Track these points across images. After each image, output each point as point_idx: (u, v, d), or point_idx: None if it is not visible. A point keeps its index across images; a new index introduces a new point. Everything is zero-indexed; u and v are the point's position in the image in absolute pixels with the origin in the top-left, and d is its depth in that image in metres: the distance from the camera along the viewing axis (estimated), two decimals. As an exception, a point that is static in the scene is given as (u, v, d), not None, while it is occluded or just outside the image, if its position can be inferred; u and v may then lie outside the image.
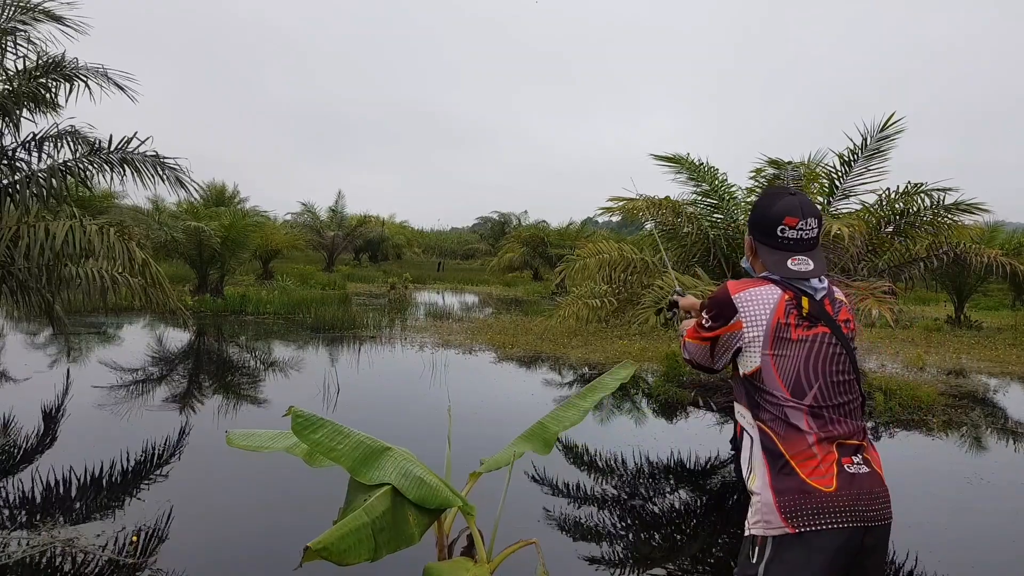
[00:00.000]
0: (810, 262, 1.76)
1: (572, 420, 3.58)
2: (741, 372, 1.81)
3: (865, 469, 1.71)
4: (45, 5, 5.97)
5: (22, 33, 5.92)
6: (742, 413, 1.84)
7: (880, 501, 1.70)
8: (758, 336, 1.73)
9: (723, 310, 1.78)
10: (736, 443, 2.04)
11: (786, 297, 1.74)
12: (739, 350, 1.79)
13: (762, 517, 1.68)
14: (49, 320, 7.15)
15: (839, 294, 1.87)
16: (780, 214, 1.77)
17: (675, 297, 2.58)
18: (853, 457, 1.71)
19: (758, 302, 1.75)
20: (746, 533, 1.76)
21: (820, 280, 1.82)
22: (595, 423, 7.00)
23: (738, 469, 1.92)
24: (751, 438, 1.79)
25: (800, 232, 1.76)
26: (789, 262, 1.75)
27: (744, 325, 1.75)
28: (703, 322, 1.86)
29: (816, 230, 1.79)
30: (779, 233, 1.77)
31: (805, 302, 1.74)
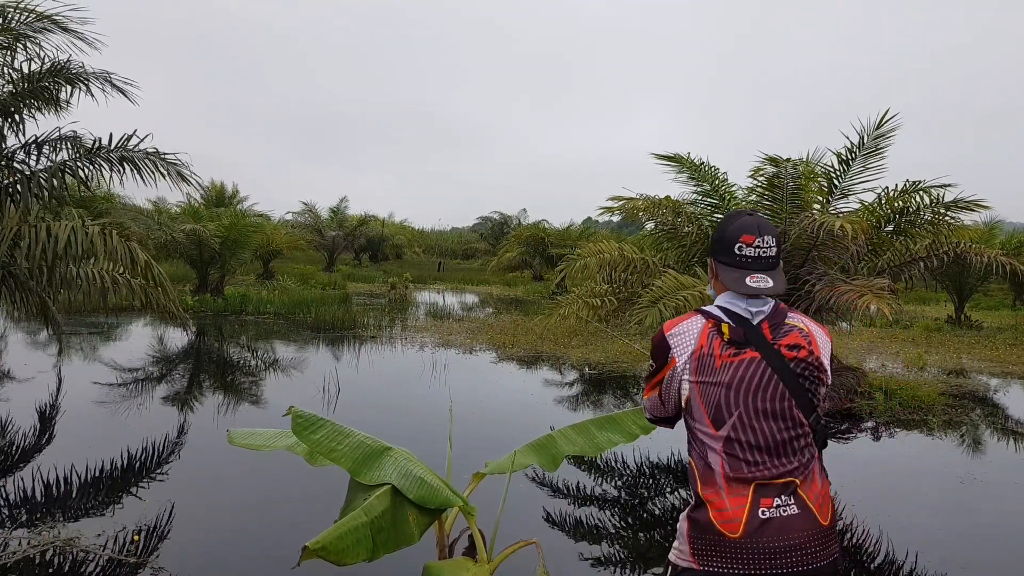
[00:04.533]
0: (769, 280, 1.73)
1: (583, 449, 3.51)
2: (682, 403, 1.81)
3: (791, 511, 1.65)
4: (55, 16, 6.03)
5: (32, 39, 5.98)
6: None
7: (801, 550, 1.63)
8: (686, 366, 1.73)
9: (660, 350, 1.80)
10: None
11: (708, 325, 1.75)
12: (679, 385, 1.78)
13: (678, 545, 1.77)
14: (45, 320, 7.16)
15: (798, 320, 1.79)
16: (736, 233, 1.76)
17: None
18: (776, 498, 1.65)
19: (684, 334, 1.76)
20: (670, 556, 1.81)
21: (764, 304, 1.78)
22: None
23: None
24: (689, 470, 1.83)
25: (757, 250, 1.74)
26: (748, 280, 1.73)
27: (677, 360, 1.75)
28: (650, 370, 1.86)
29: (775, 248, 1.77)
30: (736, 251, 1.75)
31: (725, 328, 1.73)
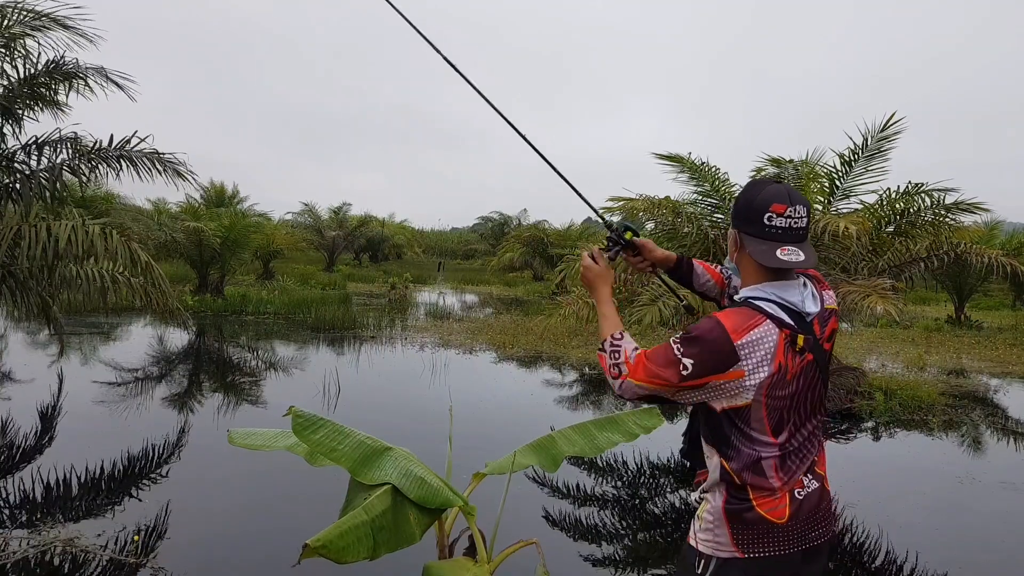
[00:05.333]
0: (801, 253, 1.60)
1: (583, 449, 3.50)
2: (718, 407, 1.64)
3: (814, 485, 1.69)
4: (55, 13, 6.04)
5: (32, 37, 5.99)
6: (705, 441, 1.73)
7: (823, 520, 1.70)
8: (757, 382, 1.57)
9: (719, 356, 1.56)
10: (685, 454, 1.92)
11: (783, 336, 1.58)
12: (735, 395, 1.61)
13: (714, 538, 1.67)
14: (46, 320, 7.17)
15: (829, 299, 1.73)
16: (767, 201, 1.62)
17: (617, 238, 2.03)
18: (804, 479, 1.68)
19: (759, 346, 1.56)
20: (692, 543, 1.72)
21: (813, 297, 1.68)
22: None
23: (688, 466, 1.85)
24: (711, 468, 1.70)
25: (789, 220, 1.61)
26: (778, 252, 1.59)
27: (746, 374, 1.56)
28: (682, 370, 1.58)
29: (806, 219, 1.64)
30: (766, 221, 1.61)
31: (800, 340, 1.60)
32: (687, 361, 1.57)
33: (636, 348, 1.73)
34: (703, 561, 1.69)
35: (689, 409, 1.78)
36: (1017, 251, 15.75)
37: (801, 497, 1.66)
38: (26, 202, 5.77)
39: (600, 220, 2.15)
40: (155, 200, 23.66)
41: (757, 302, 1.63)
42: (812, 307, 1.66)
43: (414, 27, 2.38)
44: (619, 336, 1.75)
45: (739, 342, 1.55)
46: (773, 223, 1.61)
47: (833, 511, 1.78)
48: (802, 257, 1.59)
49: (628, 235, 2.03)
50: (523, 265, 30.13)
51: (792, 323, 1.61)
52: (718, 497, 1.68)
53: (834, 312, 1.74)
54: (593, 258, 1.97)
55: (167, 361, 9.86)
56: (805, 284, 1.70)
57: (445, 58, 2.31)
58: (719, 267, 2.10)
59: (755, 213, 1.63)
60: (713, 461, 1.69)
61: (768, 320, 1.59)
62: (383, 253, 39.05)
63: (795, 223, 1.62)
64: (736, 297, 1.72)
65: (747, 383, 1.57)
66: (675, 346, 1.61)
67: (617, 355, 1.72)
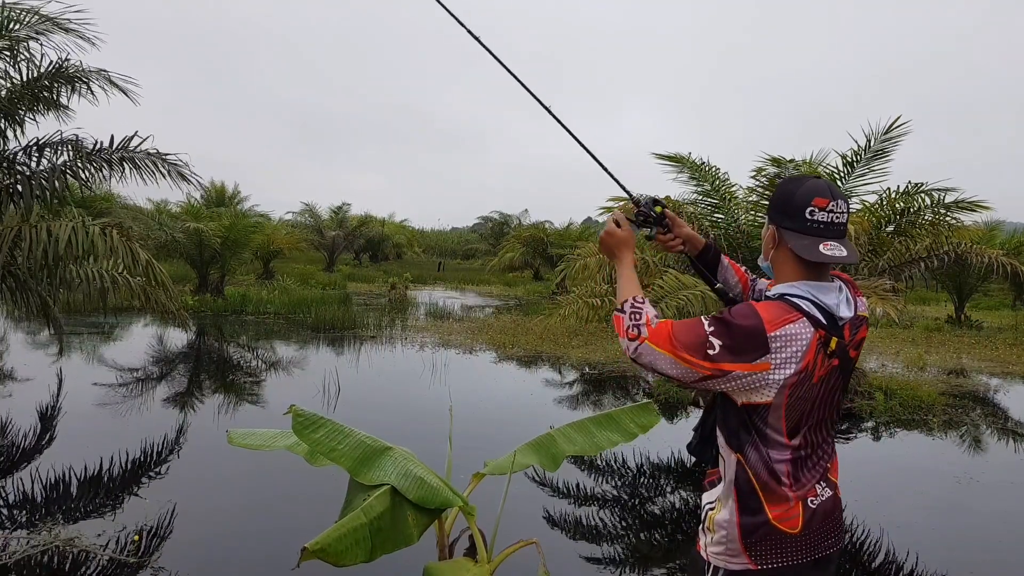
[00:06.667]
0: (843, 248, 1.57)
1: (584, 448, 3.51)
2: (739, 400, 1.59)
3: (827, 493, 1.67)
4: (59, 18, 6.04)
5: (35, 40, 6.00)
6: (722, 437, 1.69)
7: (836, 529, 1.69)
8: (783, 378, 1.53)
9: (750, 344, 1.51)
10: (693, 449, 1.87)
11: (818, 336, 1.55)
12: (756, 389, 1.56)
13: (725, 550, 1.64)
14: (46, 320, 7.16)
15: (862, 307, 1.71)
16: (808, 195, 1.59)
17: (647, 209, 1.90)
18: (818, 487, 1.65)
19: (792, 342, 1.52)
20: (703, 554, 1.70)
21: (848, 302, 1.66)
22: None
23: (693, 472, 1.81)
24: (725, 469, 1.67)
25: (831, 214, 1.59)
26: (821, 247, 1.56)
27: (772, 367, 1.52)
28: (708, 348, 1.52)
29: (846, 215, 1.63)
30: (808, 216, 1.58)
31: (834, 343, 1.57)
32: (715, 341, 1.52)
33: (659, 316, 1.65)
34: (712, 571, 1.68)
35: (702, 404, 1.75)
36: (1017, 251, 15.74)
37: (814, 506, 1.63)
38: (26, 203, 5.76)
39: (627, 194, 1.98)
40: (156, 200, 23.71)
41: (793, 299, 1.59)
42: (846, 312, 1.64)
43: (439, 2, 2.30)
44: (641, 300, 1.67)
45: (772, 334, 1.51)
46: (815, 217, 1.59)
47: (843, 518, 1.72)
48: (844, 252, 1.57)
49: (658, 209, 1.87)
50: (523, 265, 30.16)
51: (823, 321, 1.59)
52: (731, 509, 1.64)
53: (864, 320, 1.72)
54: (617, 223, 1.86)
55: (167, 361, 9.86)
56: (840, 288, 1.67)
57: (471, 32, 2.23)
58: (745, 268, 2.07)
59: (796, 208, 1.61)
60: (730, 461, 1.65)
61: (804, 318, 1.55)
62: (383, 253, 39.06)
63: (837, 218, 1.60)
64: (769, 293, 1.69)
65: (771, 377, 1.52)
66: (705, 323, 1.55)
67: (638, 316, 1.62)
